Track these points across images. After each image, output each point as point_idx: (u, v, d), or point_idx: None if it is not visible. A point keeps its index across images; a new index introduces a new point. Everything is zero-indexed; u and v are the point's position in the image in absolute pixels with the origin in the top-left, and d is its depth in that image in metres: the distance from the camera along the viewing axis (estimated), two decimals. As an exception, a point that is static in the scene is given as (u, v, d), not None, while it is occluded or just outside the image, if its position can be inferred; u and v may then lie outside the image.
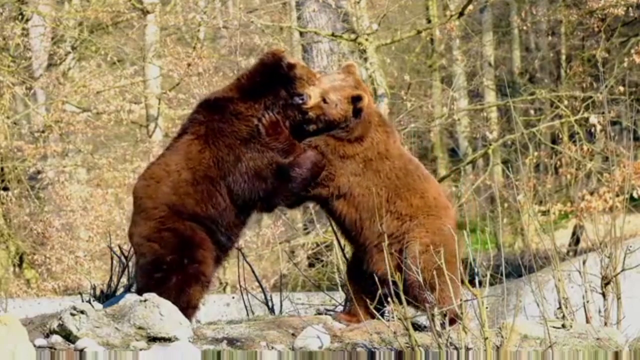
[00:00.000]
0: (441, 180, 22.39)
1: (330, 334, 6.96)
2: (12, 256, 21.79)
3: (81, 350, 6.43)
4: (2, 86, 21.06)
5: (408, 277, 6.89)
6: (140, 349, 6.50)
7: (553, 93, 22.59)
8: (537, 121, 22.70)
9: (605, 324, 7.54)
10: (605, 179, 19.61)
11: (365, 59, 20.85)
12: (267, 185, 7.11)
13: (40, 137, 22.25)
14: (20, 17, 22.39)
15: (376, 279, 6.98)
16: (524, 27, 24.61)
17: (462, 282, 6.70)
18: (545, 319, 6.86)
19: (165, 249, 7.01)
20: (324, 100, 7.14)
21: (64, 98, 21.89)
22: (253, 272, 9.45)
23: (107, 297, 8.39)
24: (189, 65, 21.91)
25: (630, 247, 7.80)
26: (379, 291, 6.78)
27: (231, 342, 6.87)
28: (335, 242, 8.75)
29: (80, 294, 8.91)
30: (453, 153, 30.41)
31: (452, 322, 6.54)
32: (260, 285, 9.44)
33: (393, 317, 7.15)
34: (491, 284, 6.54)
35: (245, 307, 8.94)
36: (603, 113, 19.75)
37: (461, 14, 21.57)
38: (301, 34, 22.29)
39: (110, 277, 8.69)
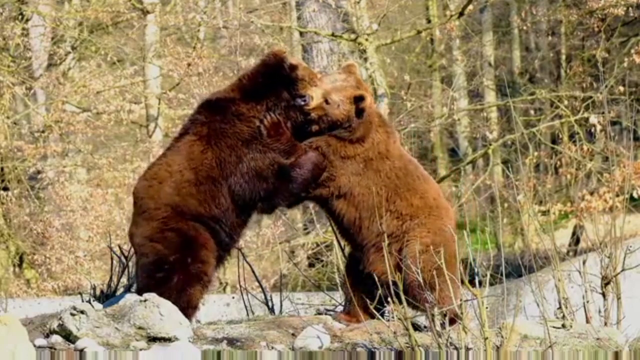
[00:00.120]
0: (441, 180, 22.40)
1: (330, 334, 6.96)
2: (12, 256, 21.77)
3: (81, 350, 6.43)
4: (2, 86, 21.04)
5: (408, 277, 6.89)
6: (140, 349, 6.50)
7: (553, 93, 22.56)
8: (537, 121, 22.68)
9: (605, 324, 7.54)
10: (605, 179, 19.60)
11: (365, 59, 20.84)
12: (268, 185, 7.11)
13: (40, 137, 22.22)
14: (20, 17, 22.37)
15: (375, 278, 6.99)
16: (524, 27, 24.58)
17: (462, 282, 6.69)
18: (545, 319, 6.86)
19: (169, 249, 7.01)
20: (326, 101, 7.14)
21: (64, 98, 21.87)
22: (253, 272, 9.44)
23: (107, 297, 8.38)
24: (189, 65, 21.89)
25: (630, 247, 7.80)
26: (379, 291, 6.78)
27: (231, 342, 6.87)
28: (335, 242, 8.75)
29: (80, 294, 8.90)
30: (453, 153, 30.38)
31: (452, 322, 6.54)
32: (260, 285, 9.43)
33: (393, 317, 7.15)
34: (491, 284, 6.53)
35: (245, 307, 8.94)
36: (603, 113, 19.73)
37: (461, 14, 21.56)
38: (301, 34, 22.28)
39: (110, 277, 8.68)
